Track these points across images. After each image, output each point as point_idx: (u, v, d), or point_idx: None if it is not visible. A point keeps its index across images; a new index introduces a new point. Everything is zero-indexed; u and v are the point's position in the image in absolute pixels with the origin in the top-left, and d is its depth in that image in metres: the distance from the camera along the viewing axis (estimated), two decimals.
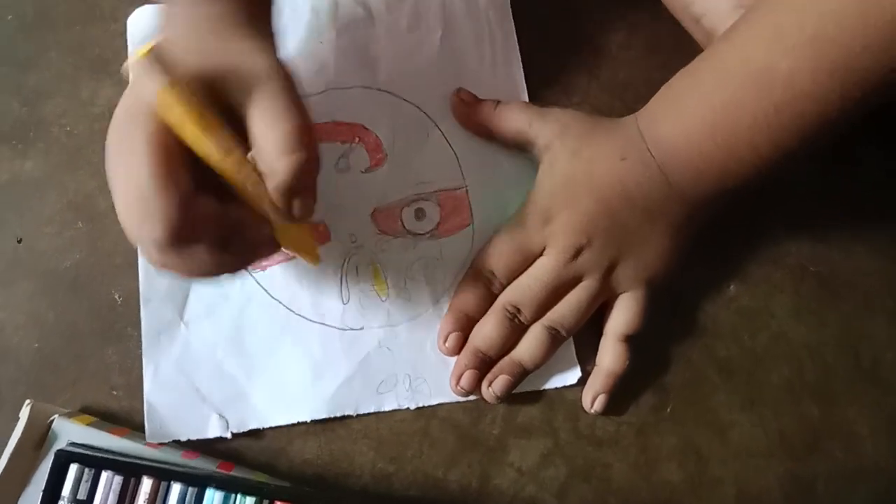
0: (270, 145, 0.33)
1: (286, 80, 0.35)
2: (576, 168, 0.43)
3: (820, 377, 0.47)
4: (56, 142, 0.45)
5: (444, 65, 0.49)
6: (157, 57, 0.31)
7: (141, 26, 0.47)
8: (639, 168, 0.42)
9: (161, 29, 0.36)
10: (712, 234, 0.46)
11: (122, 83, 0.45)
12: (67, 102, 0.45)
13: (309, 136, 0.34)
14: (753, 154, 0.39)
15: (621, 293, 0.44)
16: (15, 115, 0.45)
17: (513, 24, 0.50)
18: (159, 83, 0.31)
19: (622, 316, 0.44)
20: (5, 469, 0.38)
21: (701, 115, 0.40)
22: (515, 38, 0.49)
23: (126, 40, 0.46)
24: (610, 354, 0.44)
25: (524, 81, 0.49)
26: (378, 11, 0.48)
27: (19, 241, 0.43)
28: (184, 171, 0.32)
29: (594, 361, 0.45)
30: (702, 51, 0.46)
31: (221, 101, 0.33)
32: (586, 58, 0.50)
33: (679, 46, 0.49)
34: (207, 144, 0.32)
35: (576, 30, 0.51)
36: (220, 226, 0.34)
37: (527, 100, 0.49)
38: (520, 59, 0.49)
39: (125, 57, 0.46)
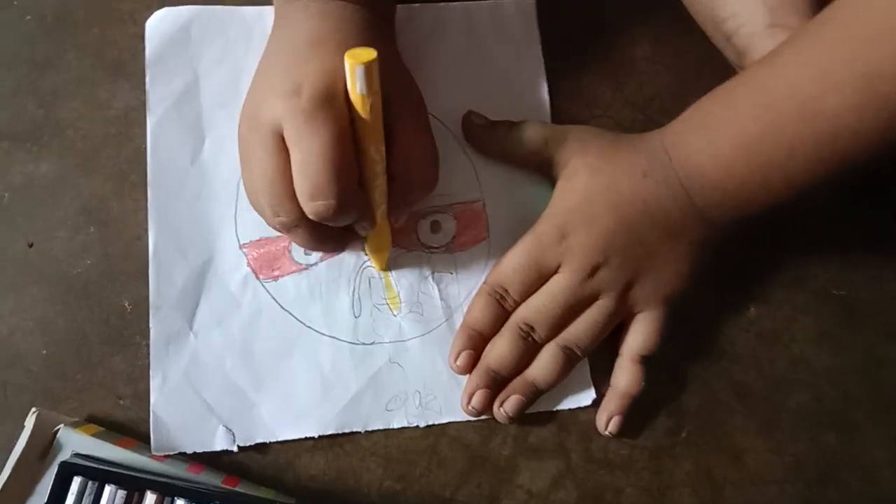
0: (419, 161, 0.39)
1: (423, 101, 0.41)
2: (595, 184, 0.42)
3: (839, 404, 0.45)
4: (71, 145, 0.44)
5: (466, 74, 0.47)
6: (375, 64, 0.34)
7: (160, 29, 0.46)
8: (661, 186, 0.41)
9: (304, 23, 0.39)
10: (734, 253, 0.44)
11: (139, 87, 0.45)
12: (84, 106, 0.45)
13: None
14: (786, 183, 0.38)
15: (638, 313, 0.43)
16: (31, 117, 0.44)
17: (538, 33, 0.48)
18: (376, 86, 0.34)
19: (638, 336, 0.43)
20: (9, 478, 0.37)
21: (734, 140, 0.38)
22: (540, 49, 0.48)
23: (143, 43, 0.46)
24: (625, 375, 0.43)
25: (547, 93, 0.48)
26: (399, 18, 0.47)
27: (31, 246, 0.42)
28: (354, 157, 0.36)
29: (609, 382, 0.43)
30: (730, 66, 0.45)
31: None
32: (610, 70, 0.49)
33: (705, 60, 0.48)
34: (378, 146, 0.36)
35: (601, 41, 0.49)
36: (359, 210, 0.37)
37: (548, 111, 0.47)
38: (543, 70, 0.48)
39: (143, 60, 0.45)
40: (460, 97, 0.47)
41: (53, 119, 0.44)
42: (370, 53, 0.33)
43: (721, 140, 0.39)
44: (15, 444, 0.38)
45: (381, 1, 0.42)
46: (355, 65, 0.33)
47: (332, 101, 0.35)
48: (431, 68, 0.47)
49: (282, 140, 0.35)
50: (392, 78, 0.37)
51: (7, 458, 0.38)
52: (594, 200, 0.42)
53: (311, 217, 0.36)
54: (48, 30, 0.46)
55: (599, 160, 0.42)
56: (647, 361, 0.43)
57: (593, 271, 0.41)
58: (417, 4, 0.48)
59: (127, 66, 0.45)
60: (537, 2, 0.49)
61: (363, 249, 0.44)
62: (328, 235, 0.39)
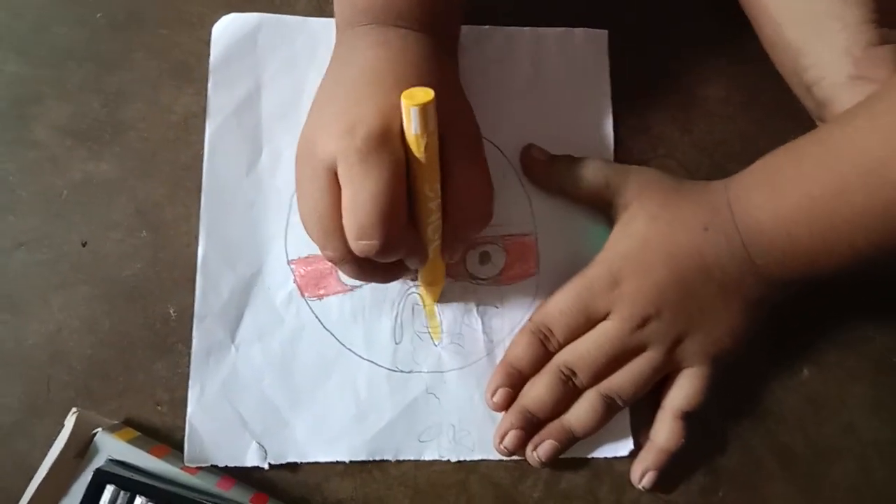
0: (474, 197, 0.38)
1: (480, 136, 0.39)
2: (653, 232, 0.40)
3: (888, 478, 0.42)
4: (131, 146, 0.43)
5: (529, 102, 0.45)
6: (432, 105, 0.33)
7: (226, 34, 0.45)
8: (721, 241, 0.39)
9: (360, 50, 0.37)
10: (787, 309, 0.42)
11: (201, 92, 0.44)
12: (146, 107, 0.44)
13: None
14: (849, 249, 0.35)
15: (684, 367, 0.41)
16: (94, 116, 0.44)
17: (608, 65, 0.46)
18: (432, 127, 0.33)
19: (683, 391, 0.41)
20: (47, 475, 0.37)
21: (798, 200, 0.36)
22: (609, 81, 0.46)
23: (209, 48, 0.44)
24: (665, 430, 0.41)
25: (611, 128, 0.45)
26: (468, 43, 0.45)
27: (84, 245, 0.42)
28: (406, 196, 0.35)
29: (647, 434, 0.41)
30: (807, 114, 0.42)
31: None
32: (679, 109, 0.46)
33: (781, 107, 0.45)
34: (433, 184, 0.35)
35: (672, 77, 0.47)
36: (408, 247, 0.36)
37: (611, 147, 0.45)
38: (610, 103, 0.46)
39: (207, 65, 0.44)
40: (521, 126, 0.45)
41: (116, 119, 0.44)
42: (427, 94, 0.32)
43: (784, 200, 0.37)
44: (54, 440, 0.38)
45: (444, 27, 0.40)
46: (411, 106, 0.32)
47: (387, 140, 0.33)
48: (495, 94, 0.45)
49: (335, 177, 0.34)
50: (450, 113, 0.36)
51: (45, 452, 0.38)
52: (651, 249, 0.40)
53: (357, 254, 0.35)
54: (118, 28, 0.45)
55: (660, 207, 0.40)
56: (689, 417, 0.41)
57: (643, 322, 0.39)
58: (487, 26, 0.46)
59: (192, 70, 0.44)
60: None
61: (416, 280, 0.43)
62: (376, 269, 0.38)
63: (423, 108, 0.32)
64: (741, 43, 0.46)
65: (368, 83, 0.36)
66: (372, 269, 0.37)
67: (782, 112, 0.45)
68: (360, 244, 0.34)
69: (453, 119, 0.37)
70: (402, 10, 0.38)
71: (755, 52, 0.44)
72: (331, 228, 0.35)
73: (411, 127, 0.33)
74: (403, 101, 0.32)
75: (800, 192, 0.36)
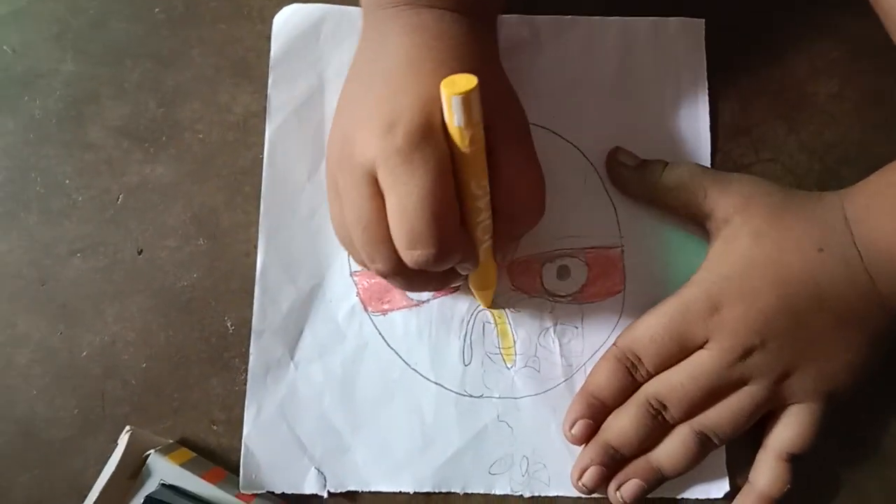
0: (524, 191, 0.33)
1: (527, 122, 0.35)
2: (759, 253, 0.35)
3: None
4: (188, 149, 0.41)
5: (616, 101, 0.40)
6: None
7: (288, 26, 0.41)
8: (838, 265, 0.33)
9: (398, 45, 0.33)
10: None
11: (261, 91, 0.41)
12: (204, 107, 0.41)
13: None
14: None
15: (791, 404, 0.36)
16: (151, 116, 0.41)
17: (705, 59, 0.41)
18: (477, 117, 0.29)
19: (789, 431, 0.35)
20: (100, 496, 0.35)
21: None
22: (706, 77, 0.40)
23: (269, 43, 0.41)
24: (768, 473, 0.36)
25: (709, 130, 0.40)
26: (547, 35, 0.40)
27: (140, 253, 0.40)
28: (455, 196, 0.31)
29: (746, 475, 0.37)
30: None
31: None
32: (786, 107, 0.41)
33: None
34: (480, 180, 0.31)
35: (777, 71, 0.41)
36: (461, 252, 0.32)
37: (708, 151, 0.40)
38: (707, 102, 0.40)
39: (267, 62, 0.41)
40: (607, 127, 0.40)
41: (172, 119, 0.41)
42: (469, 81, 0.27)
43: None
44: (108, 457, 0.36)
45: (483, 7, 0.35)
46: (452, 95, 0.27)
47: (430, 136, 0.29)
48: (577, 91, 0.40)
49: (376, 182, 0.30)
50: (494, 99, 0.32)
51: (99, 469, 0.36)
52: (756, 272, 0.34)
53: (410, 265, 0.31)
54: (175, 24, 0.42)
55: (767, 224, 0.35)
56: (796, 460, 0.36)
57: (746, 354, 0.34)
58: (569, 17, 0.41)
59: (251, 67, 0.41)
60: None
61: (467, 286, 0.38)
62: (429, 279, 0.34)
63: (467, 97, 0.27)
64: (859, 31, 0.40)
65: (404, 73, 0.31)
66: (424, 279, 0.33)
67: None
68: (413, 254, 0.30)
69: (498, 106, 0.32)
70: None
71: (873, 42, 0.38)
72: (379, 239, 0.31)
73: (454, 118, 0.28)
74: (444, 91, 0.28)
75: None
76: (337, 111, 0.35)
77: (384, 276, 0.33)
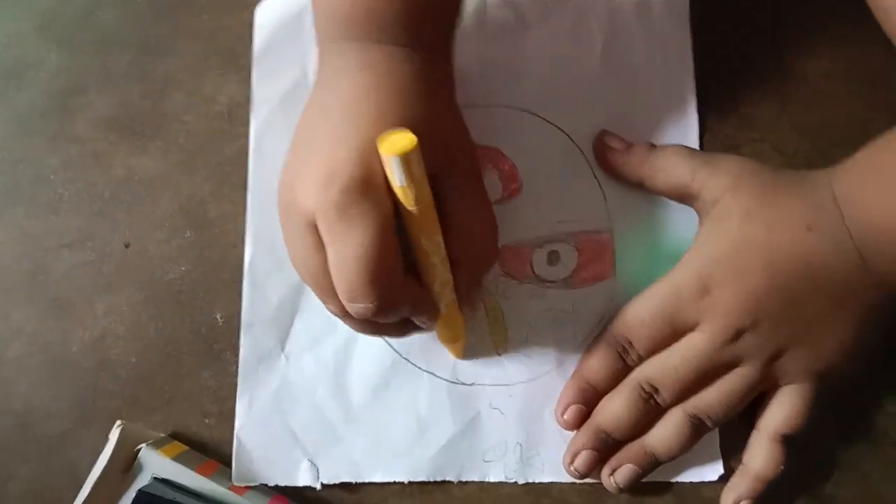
0: (480, 237, 0.33)
1: (477, 160, 0.35)
2: (749, 233, 0.34)
3: None
4: (174, 140, 0.40)
5: (602, 84, 0.39)
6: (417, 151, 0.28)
7: (271, 17, 0.40)
8: (829, 244, 0.33)
9: (343, 81, 0.32)
10: None
11: (246, 80, 0.40)
12: (190, 98, 0.40)
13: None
14: None
15: (784, 385, 0.35)
16: (137, 107, 0.40)
17: (690, 39, 0.40)
18: (419, 175, 0.28)
19: (782, 412, 0.35)
20: (92, 492, 0.34)
21: None
22: (691, 57, 0.40)
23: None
24: (761, 455, 0.35)
25: (696, 110, 0.39)
26: (532, 19, 0.40)
27: (127, 246, 0.39)
28: (398, 250, 0.30)
29: (740, 457, 0.36)
30: None
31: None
32: (775, 86, 0.40)
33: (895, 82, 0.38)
34: (431, 235, 0.30)
35: (765, 49, 0.40)
36: (411, 305, 0.31)
37: (696, 132, 0.39)
38: (693, 82, 0.39)
39: (252, 51, 0.40)
40: (593, 110, 0.39)
41: (159, 111, 0.40)
42: (408, 140, 0.27)
43: None
44: (100, 452, 0.35)
45: (436, 40, 0.34)
46: (391, 156, 0.27)
47: (370, 191, 0.29)
48: (563, 74, 0.40)
49: (318, 234, 0.30)
50: (444, 146, 0.31)
51: (93, 462, 0.35)
52: (746, 252, 0.34)
53: (354, 316, 0.30)
54: (161, 13, 0.41)
55: (756, 204, 0.34)
56: (789, 441, 0.35)
57: (737, 335, 0.33)
58: None
59: (238, 56, 0.40)
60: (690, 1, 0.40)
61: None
62: (383, 328, 0.33)
63: (406, 158, 0.27)
64: (848, 8, 0.39)
65: (347, 119, 0.30)
66: (378, 326, 0.33)
67: None
68: (353, 307, 0.29)
69: (447, 151, 0.31)
70: (386, 22, 0.32)
71: (865, 18, 0.37)
72: (325, 288, 0.30)
73: (395, 178, 0.28)
74: (381, 150, 0.27)
75: None
76: (289, 150, 0.33)
77: (339, 317, 0.33)
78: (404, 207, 0.29)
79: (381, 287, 0.29)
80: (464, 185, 0.32)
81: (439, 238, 0.31)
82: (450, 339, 0.36)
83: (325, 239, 0.29)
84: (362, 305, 0.29)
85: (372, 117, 0.30)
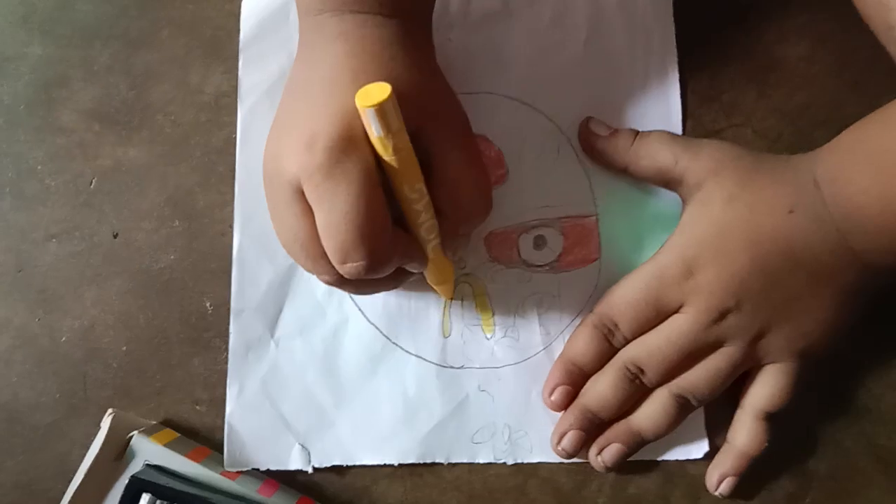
0: (466, 191, 0.33)
1: (466, 119, 0.34)
2: (731, 216, 0.34)
3: None
4: (161, 130, 0.40)
5: (587, 72, 0.40)
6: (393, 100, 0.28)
7: (257, 7, 0.40)
8: (810, 225, 0.33)
9: (320, 46, 0.33)
10: (885, 297, 0.36)
11: (232, 70, 0.40)
12: (175, 89, 0.40)
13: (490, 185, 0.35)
14: None
15: (767, 363, 0.35)
16: (122, 98, 0.40)
17: (673, 26, 0.40)
18: (396, 125, 0.28)
19: (765, 390, 0.35)
20: (84, 480, 0.34)
21: None
22: (674, 44, 0.40)
23: (239, 22, 0.40)
24: (746, 432, 0.36)
25: (679, 97, 0.39)
26: (517, 7, 0.40)
27: (115, 236, 0.39)
28: (385, 203, 0.30)
29: (725, 435, 0.36)
30: None
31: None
32: (755, 70, 0.40)
33: (874, 66, 0.39)
34: (413, 183, 0.31)
35: (746, 34, 0.40)
36: (401, 255, 0.32)
37: (679, 118, 0.39)
38: (677, 69, 0.40)
39: (237, 41, 0.40)
40: (578, 97, 0.39)
41: (144, 101, 0.40)
42: (383, 90, 0.27)
43: (891, 178, 0.31)
44: (90, 442, 0.35)
45: (411, 7, 0.34)
46: (366, 107, 0.27)
47: (352, 148, 0.29)
48: (547, 61, 0.40)
49: (305, 199, 0.30)
50: (427, 100, 0.31)
51: (84, 453, 0.35)
52: (729, 234, 0.34)
53: (347, 277, 0.30)
54: (144, 4, 0.40)
55: (738, 187, 0.34)
56: (773, 418, 0.35)
57: (721, 316, 0.34)
58: None
59: (222, 46, 0.40)
60: None
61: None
62: (378, 283, 0.33)
63: (381, 108, 0.27)
64: None
65: (324, 85, 0.31)
66: (373, 284, 0.33)
67: (876, 72, 0.39)
68: (346, 268, 0.30)
69: (432, 105, 0.32)
70: None
71: (842, 2, 0.37)
72: (316, 254, 0.31)
73: (373, 130, 0.28)
74: (358, 103, 0.27)
75: None
76: (272, 125, 0.34)
77: (333, 286, 0.33)
78: (385, 159, 0.29)
79: (371, 242, 0.29)
80: (451, 140, 0.32)
81: (421, 185, 0.31)
82: (438, 282, 0.36)
83: (313, 201, 0.29)
84: (355, 264, 0.29)
85: (347, 80, 0.30)
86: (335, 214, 0.29)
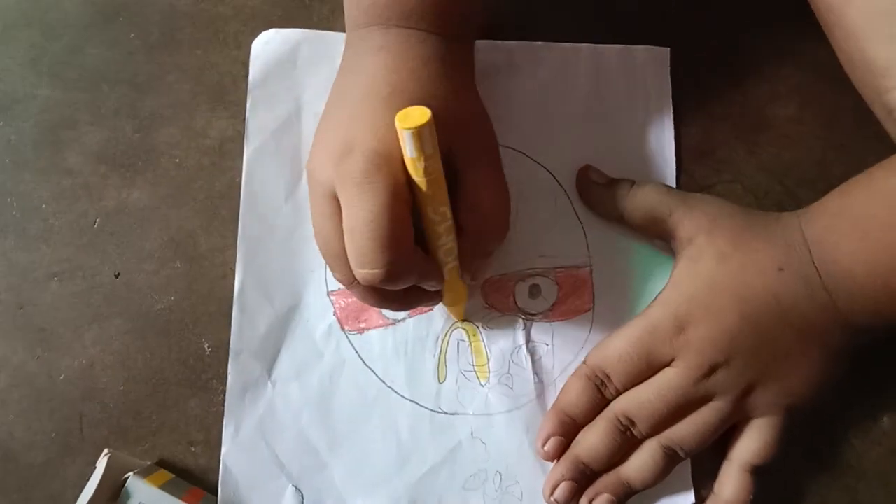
0: (489, 211, 0.34)
1: (495, 140, 0.36)
2: (723, 273, 0.35)
3: None
4: (165, 173, 0.40)
5: (586, 124, 0.41)
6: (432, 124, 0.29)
7: (266, 51, 0.41)
8: (798, 284, 0.34)
9: (365, 65, 0.34)
10: (867, 354, 0.36)
11: (237, 116, 0.40)
12: (180, 132, 0.40)
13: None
14: None
15: (754, 418, 0.36)
16: (128, 141, 0.40)
17: (670, 85, 0.41)
18: (430, 149, 0.29)
19: (752, 444, 0.36)
20: None
21: (893, 246, 0.31)
22: (671, 102, 0.41)
23: (247, 68, 0.41)
24: (732, 485, 0.36)
25: (674, 152, 0.40)
26: (520, 60, 0.40)
27: (117, 276, 0.39)
28: (409, 220, 0.31)
29: (711, 487, 0.37)
30: (892, 142, 0.37)
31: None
32: (746, 129, 0.41)
33: (860, 128, 0.40)
34: (438, 206, 0.31)
35: (738, 96, 0.41)
36: (419, 274, 0.32)
37: (674, 172, 0.40)
38: (672, 125, 0.41)
39: (243, 88, 0.40)
40: (577, 149, 0.40)
41: (149, 144, 0.40)
42: (423, 115, 0.28)
43: (879, 250, 0.32)
44: (86, 480, 0.35)
45: (455, 26, 0.35)
46: (404, 129, 0.28)
47: (385, 163, 0.30)
48: (549, 114, 0.41)
49: (336, 202, 0.31)
50: (460, 121, 0.32)
51: (78, 493, 0.35)
52: (720, 292, 0.35)
53: (361, 283, 0.31)
54: (151, 49, 0.41)
55: (730, 246, 0.35)
56: (759, 471, 0.36)
57: (711, 371, 0.34)
58: (541, 43, 0.41)
59: (227, 92, 0.41)
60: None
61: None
62: (390, 295, 0.34)
63: (418, 132, 0.28)
64: (815, 56, 0.41)
65: (365, 98, 0.32)
66: (385, 295, 0.33)
67: (862, 134, 0.40)
68: (362, 273, 0.30)
69: (464, 128, 0.33)
70: (406, 8, 0.33)
71: (831, 66, 0.38)
72: (335, 253, 0.32)
73: (407, 150, 0.29)
74: (397, 124, 0.28)
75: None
76: (315, 134, 0.35)
77: (346, 286, 0.34)
78: (415, 179, 0.30)
79: (390, 253, 0.30)
80: (477, 160, 0.33)
81: (446, 209, 0.32)
82: (451, 303, 0.37)
83: (343, 205, 0.31)
84: (372, 271, 0.30)
85: (385, 95, 0.32)
86: (359, 221, 0.30)
